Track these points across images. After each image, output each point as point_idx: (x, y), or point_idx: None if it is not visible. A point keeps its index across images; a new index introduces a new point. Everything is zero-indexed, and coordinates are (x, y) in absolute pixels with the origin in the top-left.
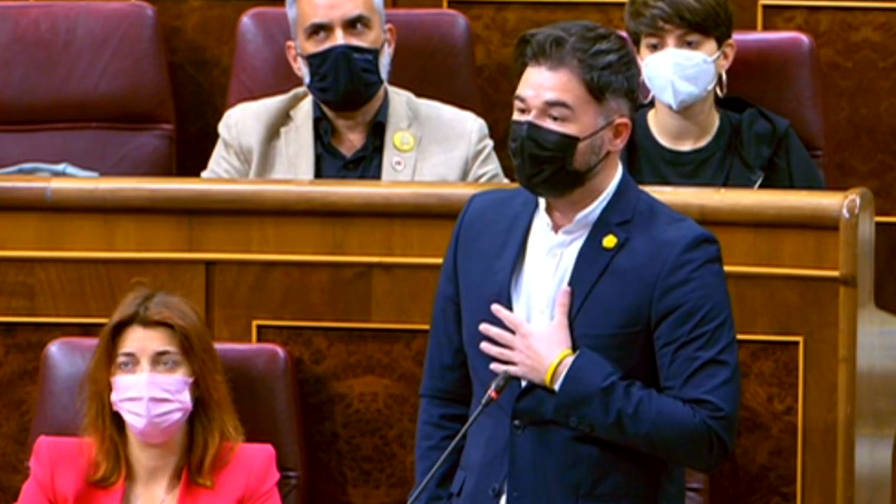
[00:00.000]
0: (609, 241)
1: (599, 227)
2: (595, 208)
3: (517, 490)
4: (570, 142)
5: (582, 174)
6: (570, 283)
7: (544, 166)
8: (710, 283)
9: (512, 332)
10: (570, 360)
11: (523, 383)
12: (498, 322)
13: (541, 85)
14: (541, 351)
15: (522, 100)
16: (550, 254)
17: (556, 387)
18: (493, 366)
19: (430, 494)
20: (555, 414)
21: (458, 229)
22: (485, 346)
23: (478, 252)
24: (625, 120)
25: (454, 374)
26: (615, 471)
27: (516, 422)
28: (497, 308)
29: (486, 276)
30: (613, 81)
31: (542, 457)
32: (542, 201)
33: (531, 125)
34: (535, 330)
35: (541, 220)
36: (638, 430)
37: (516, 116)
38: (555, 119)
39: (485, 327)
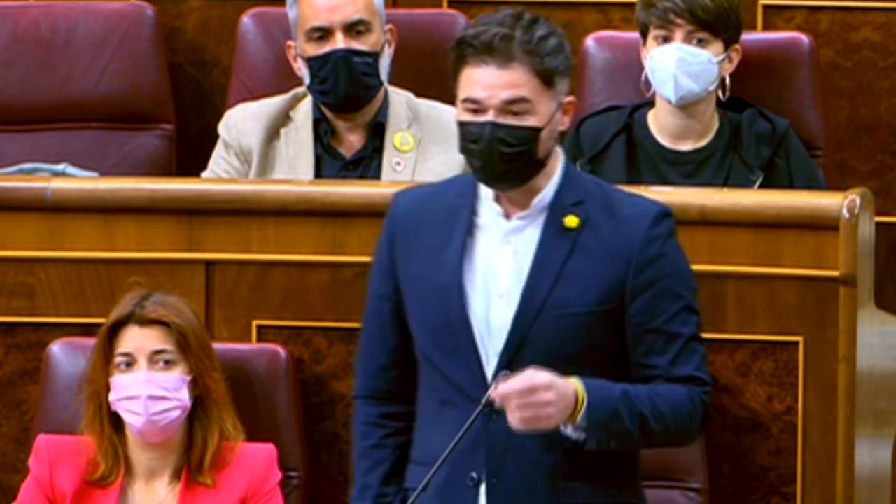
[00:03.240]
0: (571, 220)
1: (556, 209)
2: (548, 191)
3: (496, 477)
4: (534, 133)
5: (543, 160)
6: (537, 264)
7: (513, 162)
8: (678, 257)
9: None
10: (579, 386)
11: (487, 369)
12: (450, 312)
13: (494, 84)
14: (565, 386)
15: (476, 101)
16: (505, 240)
17: (584, 413)
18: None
19: (375, 493)
20: (594, 440)
21: (390, 228)
22: (514, 423)
23: (420, 247)
24: (571, 98)
25: (390, 373)
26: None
27: (488, 409)
28: (496, 393)
29: (433, 269)
30: (559, 65)
31: (519, 442)
32: (485, 191)
33: (494, 125)
34: (545, 378)
35: (488, 209)
36: (662, 427)
37: (469, 118)
38: (515, 114)
39: (501, 390)
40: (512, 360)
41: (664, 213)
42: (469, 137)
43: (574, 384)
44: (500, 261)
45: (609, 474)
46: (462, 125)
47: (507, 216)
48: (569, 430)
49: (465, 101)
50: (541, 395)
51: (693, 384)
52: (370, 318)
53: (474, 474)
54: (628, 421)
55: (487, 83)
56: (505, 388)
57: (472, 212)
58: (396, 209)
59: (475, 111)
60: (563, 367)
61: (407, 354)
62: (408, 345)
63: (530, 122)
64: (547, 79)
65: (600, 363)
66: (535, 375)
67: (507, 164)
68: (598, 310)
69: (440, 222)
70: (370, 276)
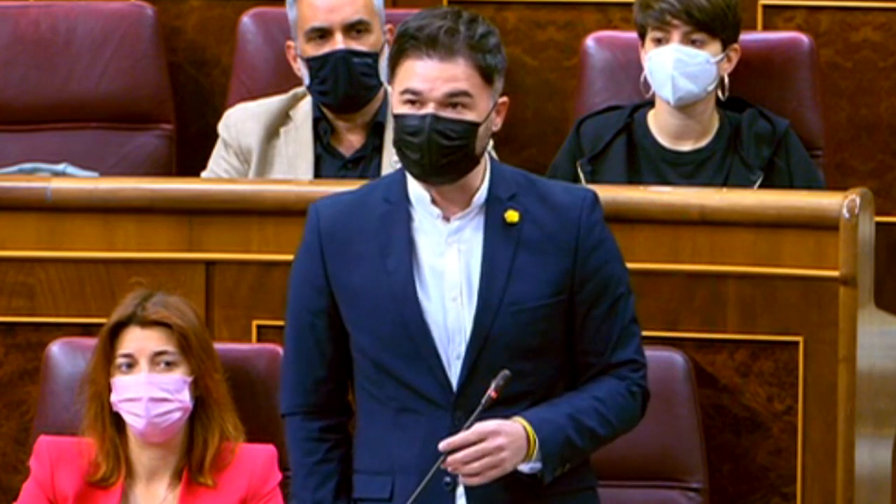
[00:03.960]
0: (511, 215)
1: (492, 206)
2: (482, 189)
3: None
4: (473, 128)
5: (478, 157)
6: (487, 263)
7: (451, 156)
8: (613, 241)
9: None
10: (527, 425)
11: (451, 372)
12: (406, 320)
13: (436, 77)
14: (514, 427)
15: (416, 93)
16: (448, 242)
17: (538, 449)
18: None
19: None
20: (550, 471)
21: (316, 241)
22: (470, 476)
23: (357, 258)
24: (505, 98)
25: (328, 386)
26: None
27: (459, 411)
28: (445, 444)
29: (379, 278)
30: (498, 63)
31: None
32: (417, 194)
33: (435, 117)
34: (493, 425)
35: (424, 212)
36: (610, 431)
37: (407, 110)
38: (454, 107)
39: (450, 456)
40: (475, 361)
41: (595, 199)
42: (407, 130)
43: (521, 423)
44: (447, 263)
45: (581, 462)
46: (400, 118)
47: (446, 217)
48: (525, 467)
49: (405, 92)
50: (491, 441)
51: (631, 367)
52: (302, 334)
53: (448, 479)
54: (579, 441)
55: (429, 76)
56: (454, 440)
57: (408, 216)
58: (319, 222)
59: (414, 103)
60: (524, 361)
61: (342, 367)
62: (343, 357)
63: (469, 116)
64: (487, 75)
65: (555, 354)
66: (480, 425)
67: (446, 158)
68: (552, 301)
69: (374, 230)
70: (293, 291)
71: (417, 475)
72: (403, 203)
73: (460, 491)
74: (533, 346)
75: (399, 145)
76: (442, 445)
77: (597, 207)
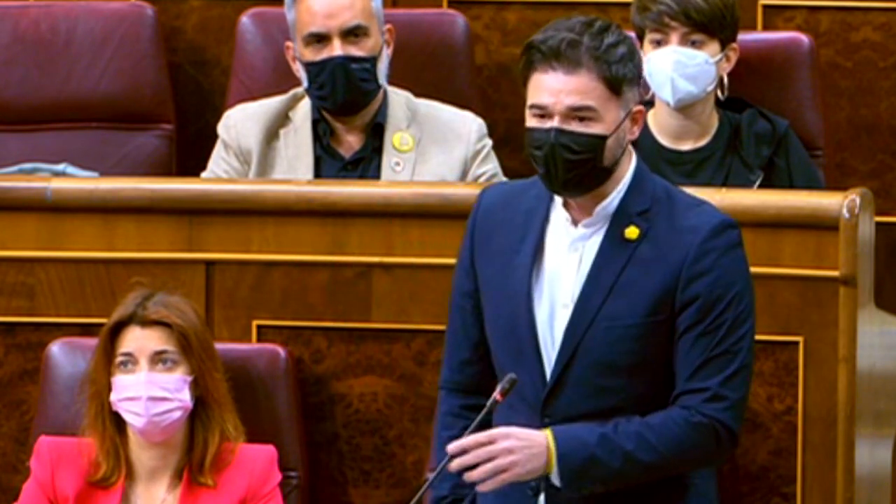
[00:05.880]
0: (631, 231)
1: (620, 218)
2: (614, 199)
3: (555, 487)
4: (600, 141)
5: (609, 169)
6: (593, 275)
7: (577, 169)
8: (733, 271)
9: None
10: (550, 436)
11: (548, 378)
12: (517, 318)
13: (560, 90)
14: (531, 435)
15: (542, 107)
16: (572, 248)
17: (556, 462)
18: (482, 487)
19: (453, 483)
20: (571, 486)
21: (472, 225)
22: (480, 480)
23: (495, 248)
24: (640, 107)
25: (473, 367)
26: None
27: (546, 419)
28: (453, 447)
29: (506, 273)
30: (628, 73)
31: None
32: (558, 196)
33: (559, 131)
34: (505, 429)
35: (559, 215)
36: (655, 456)
37: (535, 123)
38: (581, 120)
39: (459, 458)
40: (564, 370)
41: (724, 226)
42: (534, 144)
43: (545, 434)
44: (566, 269)
45: (665, 488)
46: (528, 131)
47: (575, 223)
48: (555, 480)
49: (532, 107)
50: (499, 443)
51: (704, 396)
52: (454, 314)
53: (533, 482)
54: (612, 462)
55: (554, 89)
56: (461, 443)
57: (546, 217)
58: (479, 208)
59: (541, 117)
60: (613, 378)
61: (488, 350)
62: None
63: (596, 129)
64: (614, 86)
65: (651, 373)
66: (495, 430)
67: (571, 172)
68: (648, 321)
69: (517, 225)
70: (455, 271)
71: None
72: (547, 202)
73: (542, 499)
74: (622, 363)
75: (530, 160)
76: (450, 448)
77: (722, 234)
